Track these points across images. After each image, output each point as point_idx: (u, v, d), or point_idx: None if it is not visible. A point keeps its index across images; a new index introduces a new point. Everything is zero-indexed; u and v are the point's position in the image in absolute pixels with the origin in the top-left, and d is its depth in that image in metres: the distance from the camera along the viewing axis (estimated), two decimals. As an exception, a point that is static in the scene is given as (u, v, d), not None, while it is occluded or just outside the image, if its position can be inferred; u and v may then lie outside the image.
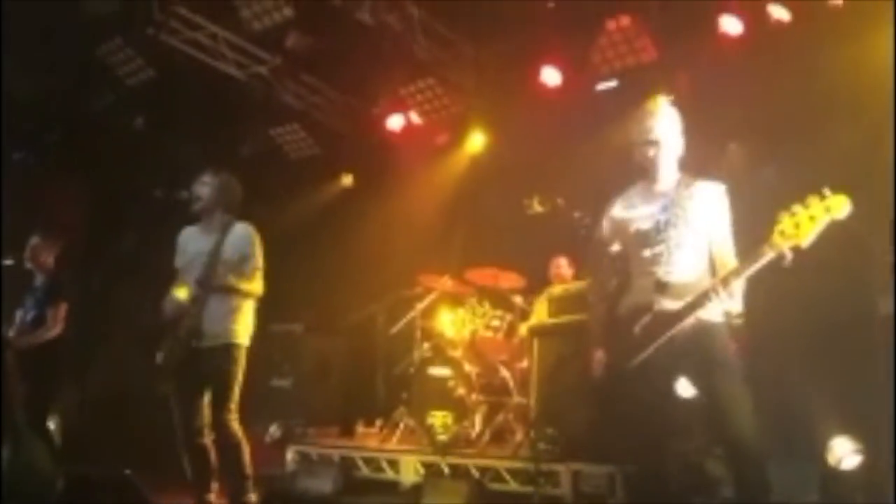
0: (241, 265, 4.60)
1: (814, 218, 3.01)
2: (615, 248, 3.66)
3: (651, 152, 3.50)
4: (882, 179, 4.55)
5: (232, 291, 4.57)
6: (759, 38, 5.87)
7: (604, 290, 3.67)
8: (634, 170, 3.61)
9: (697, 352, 3.29)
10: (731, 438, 3.30)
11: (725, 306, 3.29)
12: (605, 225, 3.73)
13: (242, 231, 4.69)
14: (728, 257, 3.40)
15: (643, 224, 3.51)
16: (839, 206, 3.01)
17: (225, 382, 4.51)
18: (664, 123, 3.53)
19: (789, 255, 3.07)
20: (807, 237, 3.03)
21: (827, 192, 3.03)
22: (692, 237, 3.41)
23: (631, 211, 3.60)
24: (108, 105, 7.81)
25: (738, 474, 3.35)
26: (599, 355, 3.56)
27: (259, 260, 4.66)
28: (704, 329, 3.31)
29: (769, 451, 3.35)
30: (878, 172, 4.69)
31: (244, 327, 4.63)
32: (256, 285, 4.65)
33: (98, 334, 7.81)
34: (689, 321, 3.27)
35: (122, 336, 7.64)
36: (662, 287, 3.33)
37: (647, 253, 3.45)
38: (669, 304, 3.31)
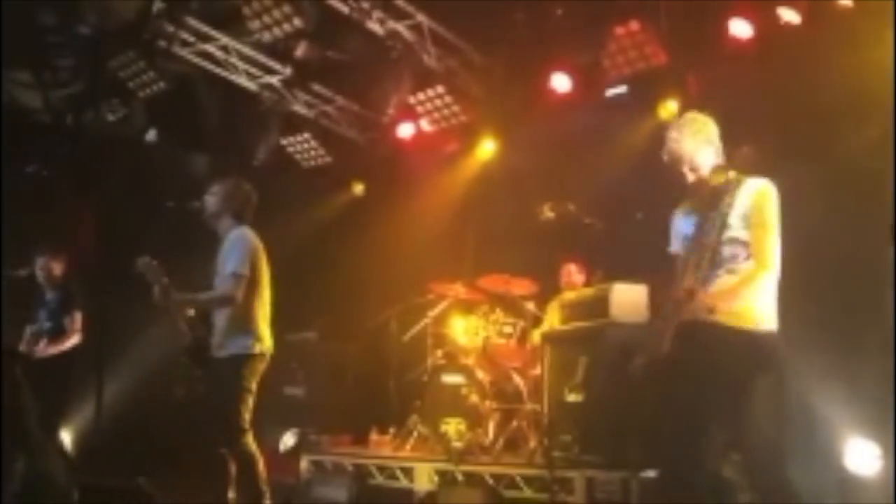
0: (223, 272, 4.48)
1: None
2: (677, 254, 3.60)
3: (690, 178, 3.48)
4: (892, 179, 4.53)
5: (190, 306, 4.52)
6: (769, 42, 5.84)
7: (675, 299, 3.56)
8: (656, 171, 3.57)
9: (728, 359, 3.22)
10: (749, 451, 3.28)
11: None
12: (671, 237, 3.68)
13: (232, 236, 4.57)
14: (758, 253, 3.30)
15: (688, 229, 3.47)
16: None
17: (230, 395, 4.40)
18: (686, 144, 3.48)
19: None
20: None
21: None
22: (736, 239, 3.32)
23: (683, 219, 3.57)
24: (120, 117, 7.86)
25: (755, 484, 3.31)
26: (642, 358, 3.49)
27: (238, 265, 4.42)
28: (738, 337, 3.24)
29: (788, 456, 3.33)
30: (889, 174, 4.67)
31: (250, 337, 4.47)
32: (228, 291, 4.40)
33: (112, 345, 7.85)
34: (731, 329, 3.23)
35: (136, 347, 7.67)
36: (690, 293, 3.27)
37: (691, 258, 3.40)
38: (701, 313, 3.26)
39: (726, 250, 3.32)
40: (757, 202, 3.34)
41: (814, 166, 5.06)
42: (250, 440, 4.41)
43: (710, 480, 3.33)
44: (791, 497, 3.19)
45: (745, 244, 3.32)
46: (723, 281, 3.30)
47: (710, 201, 3.37)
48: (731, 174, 3.38)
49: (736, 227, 3.31)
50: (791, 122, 5.52)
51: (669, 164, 3.52)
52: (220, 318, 4.52)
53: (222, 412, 4.42)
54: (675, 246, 3.64)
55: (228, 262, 4.46)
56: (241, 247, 4.51)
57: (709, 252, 3.28)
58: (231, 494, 4.48)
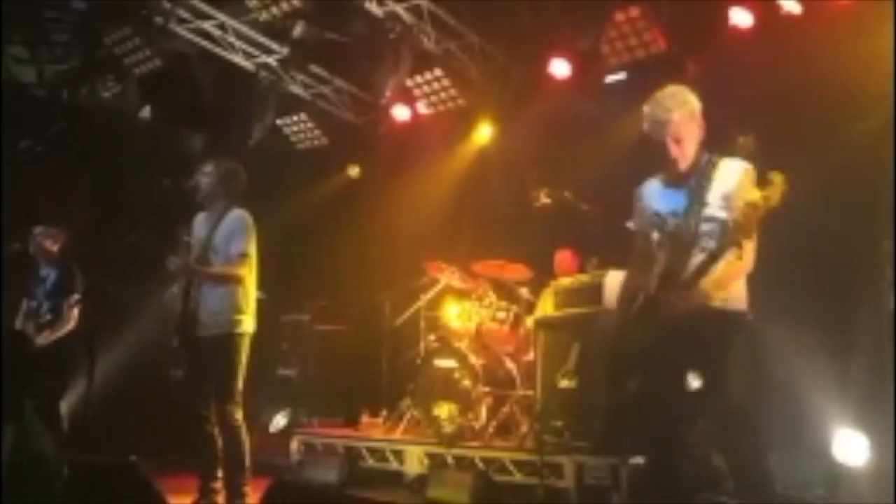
0: (226, 251, 4.59)
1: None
2: (651, 235, 3.54)
3: (673, 152, 3.38)
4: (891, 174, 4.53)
5: (203, 278, 4.57)
6: (769, 31, 5.82)
7: (645, 277, 3.50)
8: (653, 158, 3.52)
9: (698, 340, 3.23)
10: (726, 432, 3.30)
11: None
12: (635, 212, 3.65)
13: (233, 217, 4.68)
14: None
15: (664, 207, 3.45)
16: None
17: (224, 372, 4.53)
18: (679, 119, 3.37)
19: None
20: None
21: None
22: (713, 218, 3.31)
23: (655, 195, 3.53)
24: (116, 94, 7.81)
25: (734, 469, 3.34)
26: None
27: (245, 246, 4.60)
28: (707, 317, 3.24)
29: (771, 444, 3.34)
30: (888, 167, 4.67)
31: (244, 315, 4.61)
32: (238, 270, 4.57)
33: (104, 322, 7.84)
34: (695, 308, 3.21)
35: (129, 324, 7.65)
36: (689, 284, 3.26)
37: (667, 236, 3.39)
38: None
39: (703, 227, 3.30)
40: (743, 183, 3.30)
41: (812, 155, 5.05)
42: (241, 414, 4.55)
43: (696, 468, 3.34)
44: (769, 494, 3.20)
45: (721, 223, 3.27)
46: (698, 260, 3.26)
47: (690, 177, 3.37)
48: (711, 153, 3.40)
49: (714, 205, 3.30)
50: (790, 111, 5.51)
51: (651, 134, 3.43)
52: (213, 297, 4.57)
53: (218, 388, 4.53)
54: (641, 222, 3.60)
55: (235, 242, 4.59)
56: (246, 228, 4.65)
57: (690, 229, 3.29)
58: (220, 471, 4.54)
